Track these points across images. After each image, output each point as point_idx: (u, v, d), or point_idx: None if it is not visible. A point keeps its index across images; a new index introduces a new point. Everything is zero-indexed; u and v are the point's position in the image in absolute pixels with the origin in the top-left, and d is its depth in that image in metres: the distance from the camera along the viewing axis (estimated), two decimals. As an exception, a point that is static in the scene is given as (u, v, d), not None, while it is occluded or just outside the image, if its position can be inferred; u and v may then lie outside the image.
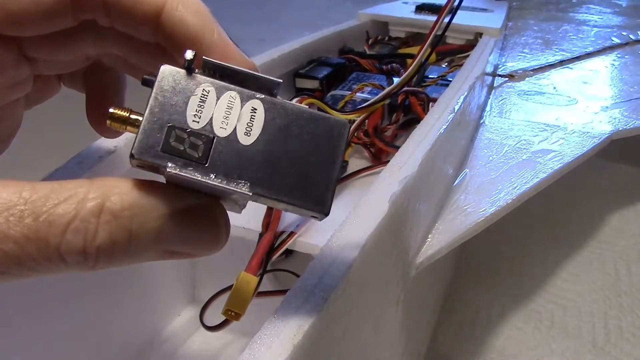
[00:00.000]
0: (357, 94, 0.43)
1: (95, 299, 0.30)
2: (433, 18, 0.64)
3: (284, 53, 0.48)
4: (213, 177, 0.16)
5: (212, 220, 0.16)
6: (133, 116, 0.16)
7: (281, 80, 0.17)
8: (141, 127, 0.16)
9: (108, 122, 0.16)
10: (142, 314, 0.33)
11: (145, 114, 0.16)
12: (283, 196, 0.17)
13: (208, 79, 0.16)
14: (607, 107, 0.56)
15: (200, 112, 0.16)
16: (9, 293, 0.25)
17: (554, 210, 0.65)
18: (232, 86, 0.17)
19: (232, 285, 0.24)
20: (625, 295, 0.54)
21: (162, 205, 0.15)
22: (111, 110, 0.16)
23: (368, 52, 0.59)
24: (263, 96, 0.17)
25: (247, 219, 0.30)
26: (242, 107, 0.16)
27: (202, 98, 0.16)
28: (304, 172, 0.17)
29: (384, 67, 0.50)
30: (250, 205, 0.18)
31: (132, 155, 0.16)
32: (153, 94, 0.16)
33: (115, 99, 0.23)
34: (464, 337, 0.50)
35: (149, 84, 0.16)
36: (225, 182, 0.16)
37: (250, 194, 0.16)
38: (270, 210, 0.30)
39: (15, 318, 0.25)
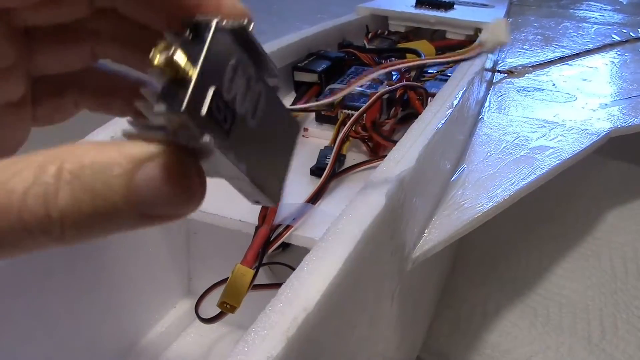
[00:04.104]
0: (355, 87, 0.43)
1: (92, 290, 0.30)
2: (433, 12, 0.64)
3: (283, 46, 0.48)
4: (233, 157, 0.14)
5: (182, 168, 0.14)
6: (181, 62, 0.13)
7: (277, 74, 0.17)
8: (193, 81, 0.13)
9: (157, 57, 0.13)
10: (139, 305, 0.33)
11: (198, 68, 0.13)
12: (261, 184, 0.16)
13: (238, 48, 0.15)
14: (606, 104, 0.56)
15: (231, 83, 0.15)
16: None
17: (551, 206, 0.65)
18: (251, 63, 0.16)
19: (227, 278, 0.24)
20: (621, 292, 0.54)
21: (125, 160, 0.14)
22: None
23: (367, 46, 0.58)
24: (270, 80, 0.16)
25: (243, 211, 0.30)
26: (253, 87, 0.16)
27: (234, 68, 0.15)
28: (271, 164, 0.16)
29: (383, 61, 0.50)
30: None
31: (172, 112, 0.13)
32: (206, 47, 0.14)
33: None
34: (459, 333, 0.50)
35: (196, 28, 0.14)
36: (237, 163, 0.15)
37: (248, 179, 0.15)
38: (266, 203, 0.30)
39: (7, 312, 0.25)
